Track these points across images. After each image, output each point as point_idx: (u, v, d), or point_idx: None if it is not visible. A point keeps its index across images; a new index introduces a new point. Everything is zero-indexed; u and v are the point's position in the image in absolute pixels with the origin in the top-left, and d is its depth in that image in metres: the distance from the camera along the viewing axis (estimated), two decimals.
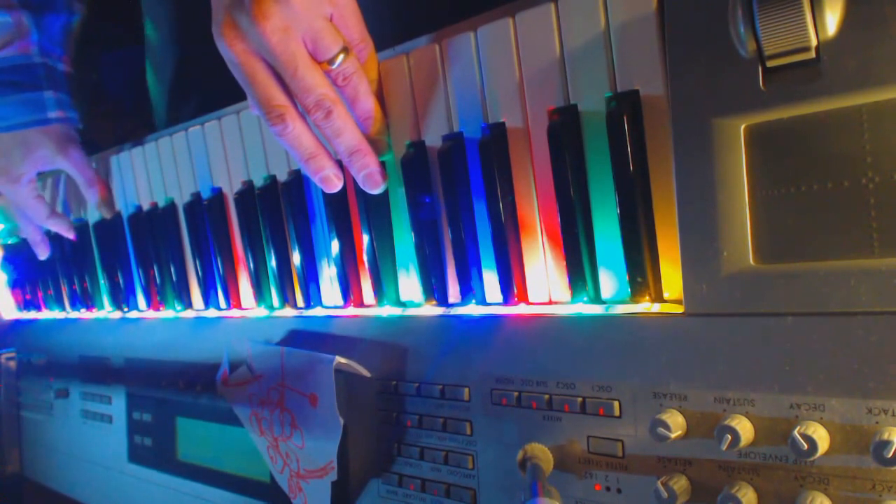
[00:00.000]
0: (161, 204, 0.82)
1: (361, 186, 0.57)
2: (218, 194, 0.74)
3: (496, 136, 0.51)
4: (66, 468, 0.99)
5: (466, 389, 0.51)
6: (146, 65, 1.01)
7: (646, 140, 0.45)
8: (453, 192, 0.54)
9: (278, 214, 0.67)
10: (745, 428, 0.38)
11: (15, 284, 1.16)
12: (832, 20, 0.36)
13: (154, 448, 0.81)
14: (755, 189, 0.39)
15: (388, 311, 0.60)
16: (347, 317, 0.62)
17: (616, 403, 0.44)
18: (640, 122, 0.45)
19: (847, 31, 0.36)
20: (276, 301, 0.70)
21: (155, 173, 0.82)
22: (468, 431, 0.51)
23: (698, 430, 0.40)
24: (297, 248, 0.66)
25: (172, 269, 0.81)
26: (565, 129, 0.47)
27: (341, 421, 0.56)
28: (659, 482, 0.40)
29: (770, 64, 0.38)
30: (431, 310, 0.57)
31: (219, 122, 0.72)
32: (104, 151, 0.91)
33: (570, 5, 0.47)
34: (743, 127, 0.39)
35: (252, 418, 0.65)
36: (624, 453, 0.44)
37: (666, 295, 0.45)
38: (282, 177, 0.67)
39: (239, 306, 0.75)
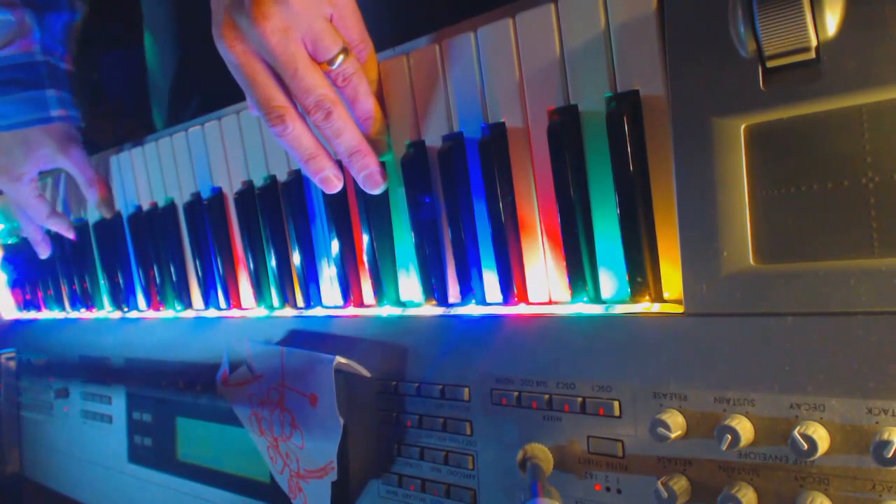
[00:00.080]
0: (161, 204, 0.82)
1: (361, 187, 0.57)
2: (218, 194, 0.74)
3: (496, 136, 0.51)
4: (66, 468, 0.99)
5: (466, 389, 0.51)
6: (146, 65, 1.01)
7: (646, 140, 0.45)
8: (453, 192, 0.54)
9: (278, 214, 0.68)
10: (745, 428, 0.38)
11: (15, 284, 1.16)
12: (832, 20, 0.36)
13: (154, 448, 0.81)
14: (755, 189, 0.39)
15: (388, 311, 0.60)
16: (347, 317, 0.62)
17: (616, 403, 0.44)
18: (640, 122, 0.45)
19: (847, 31, 0.36)
20: (276, 301, 0.70)
21: (155, 173, 0.82)
22: (468, 431, 0.51)
23: (698, 430, 0.40)
24: (297, 248, 0.66)
25: (172, 269, 0.81)
26: (565, 129, 0.47)
27: (341, 421, 0.56)
28: (659, 482, 0.40)
29: (770, 64, 0.38)
30: (431, 310, 0.57)
31: (219, 122, 0.72)
32: (104, 151, 0.91)
33: (570, 5, 0.47)
34: (743, 127, 0.39)
35: (252, 418, 0.65)
36: (624, 453, 0.44)
37: (666, 295, 0.45)
38: (282, 177, 0.67)
39: (239, 306, 0.75)
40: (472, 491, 0.51)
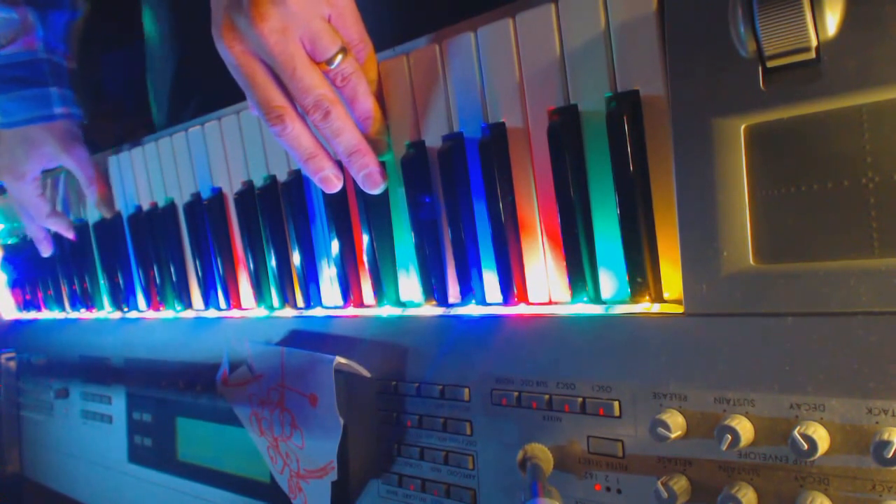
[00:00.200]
0: (161, 204, 0.82)
1: (361, 186, 0.57)
2: (218, 194, 0.74)
3: (496, 136, 0.51)
4: (66, 468, 0.99)
5: (466, 389, 0.51)
6: (146, 64, 1.01)
7: (646, 140, 0.45)
8: (453, 193, 0.54)
9: (278, 214, 0.67)
10: (745, 428, 0.38)
11: (15, 284, 1.16)
12: (832, 20, 0.36)
13: (154, 448, 0.81)
14: (755, 189, 0.39)
15: (388, 311, 0.60)
16: (347, 317, 0.62)
17: (616, 403, 0.44)
18: (640, 122, 0.45)
19: (847, 31, 0.36)
20: (276, 301, 0.70)
21: (155, 173, 0.82)
22: (468, 431, 0.51)
23: (698, 430, 0.40)
24: (296, 248, 0.66)
25: (172, 270, 0.81)
26: (565, 129, 0.47)
27: (341, 421, 0.56)
28: (659, 482, 0.40)
29: (770, 64, 0.38)
30: (431, 310, 0.57)
31: (219, 122, 0.72)
32: (104, 151, 0.91)
33: (570, 5, 0.47)
34: (743, 127, 0.39)
35: (252, 418, 0.65)
36: (624, 453, 0.44)
37: (666, 295, 0.45)
38: (282, 177, 0.67)
39: (239, 306, 0.75)
40: (472, 491, 0.51)
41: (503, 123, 0.52)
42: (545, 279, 0.51)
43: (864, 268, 0.36)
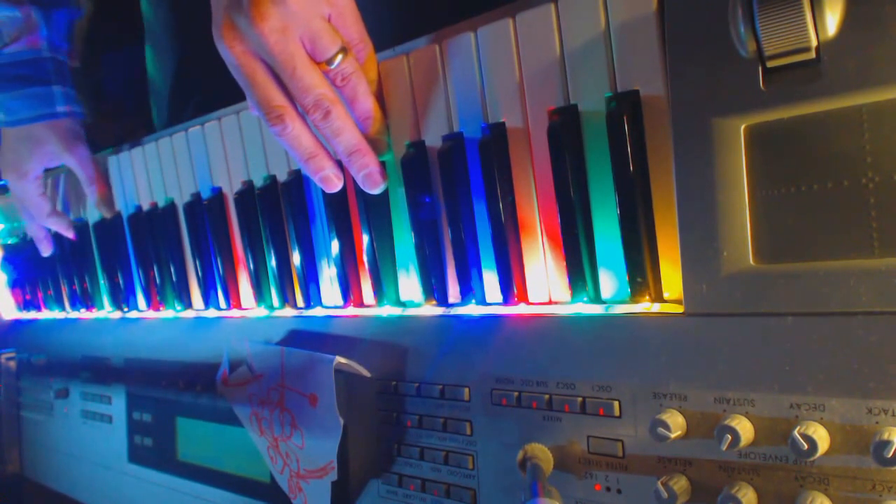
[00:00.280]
0: (161, 204, 0.82)
1: (361, 186, 0.57)
2: (218, 194, 0.74)
3: (496, 136, 0.51)
4: (66, 468, 0.99)
5: (466, 389, 0.51)
6: (146, 64, 1.01)
7: (646, 140, 0.45)
8: (453, 193, 0.54)
9: (278, 214, 0.67)
10: (745, 428, 0.38)
11: (15, 284, 1.16)
12: (832, 20, 0.36)
13: (154, 448, 0.81)
14: (755, 189, 0.39)
15: (387, 311, 0.60)
16: (347, 317, 0.62)
17: (616, 403, 0.44)
18: (640, 122, 0.45)
19: (847, 31, 0.36)
20: (276, 301, 0.70)
21: (155, 173, 0.82)
22: (468, 431, 0.51)
23: (698, 430, 0.40)
24: (296, 248, 0.66)
25: (172, 269, 0.81)
26: (565, 129, 0.47)
27: (341, 421, 0.56)
28: (659, 482, 0.40)
29: (770, 64, 0.38)
30: (431, 310, 0.57)
31: (219, 122, 0.72)
32: (104, 151, 0.91)
33: (570, 5, 0.47)
34: (743, 127, 0.39)
35: (252, 418, 0.65)
36: (624, 453, 0.44)
37: (666, 295, 0.45)
38: (282, 177, 0.67)
39: (239, 306, 0.75)
40: (472, 491, 0.51)
41: (503, 123, 0.52)
42: (545, 279, 0.51)
43: (864, 268, 0.36)
